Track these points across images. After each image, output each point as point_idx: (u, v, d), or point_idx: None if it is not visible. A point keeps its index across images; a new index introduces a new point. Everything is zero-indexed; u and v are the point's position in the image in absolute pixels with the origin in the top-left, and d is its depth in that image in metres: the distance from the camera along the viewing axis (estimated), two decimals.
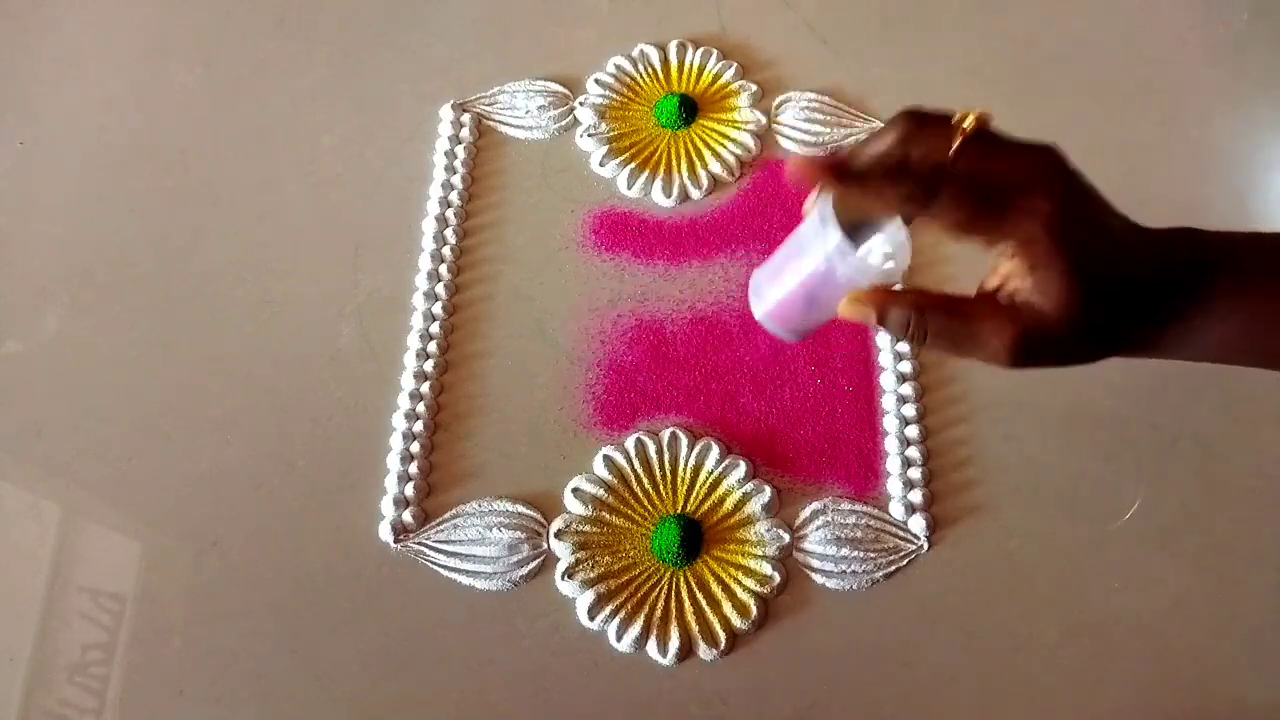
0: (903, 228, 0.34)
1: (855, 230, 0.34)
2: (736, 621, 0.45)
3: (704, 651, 0.45)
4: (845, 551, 0.46)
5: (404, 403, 0.50)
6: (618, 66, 0.61)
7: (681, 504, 0.48)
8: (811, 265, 0.35)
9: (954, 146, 0.32)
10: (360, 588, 0.46)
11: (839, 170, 0.33)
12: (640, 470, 0.49)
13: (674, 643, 0.44)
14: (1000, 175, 0.32)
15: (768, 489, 0.48)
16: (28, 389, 0.52)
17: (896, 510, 0.47)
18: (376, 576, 0.47)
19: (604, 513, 0.48)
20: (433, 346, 0.52)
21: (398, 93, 0.60)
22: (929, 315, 0.34)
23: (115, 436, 0.50)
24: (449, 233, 0.55)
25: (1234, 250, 0.35)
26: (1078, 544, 0.47)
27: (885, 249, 0.35)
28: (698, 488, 0.48)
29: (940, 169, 0.32)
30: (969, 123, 0.32)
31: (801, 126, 0.58)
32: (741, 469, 0.48)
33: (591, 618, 0.45)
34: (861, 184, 0.33)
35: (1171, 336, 0.35)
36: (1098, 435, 0.49)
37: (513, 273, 0.54)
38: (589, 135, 0.58)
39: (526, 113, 0.59)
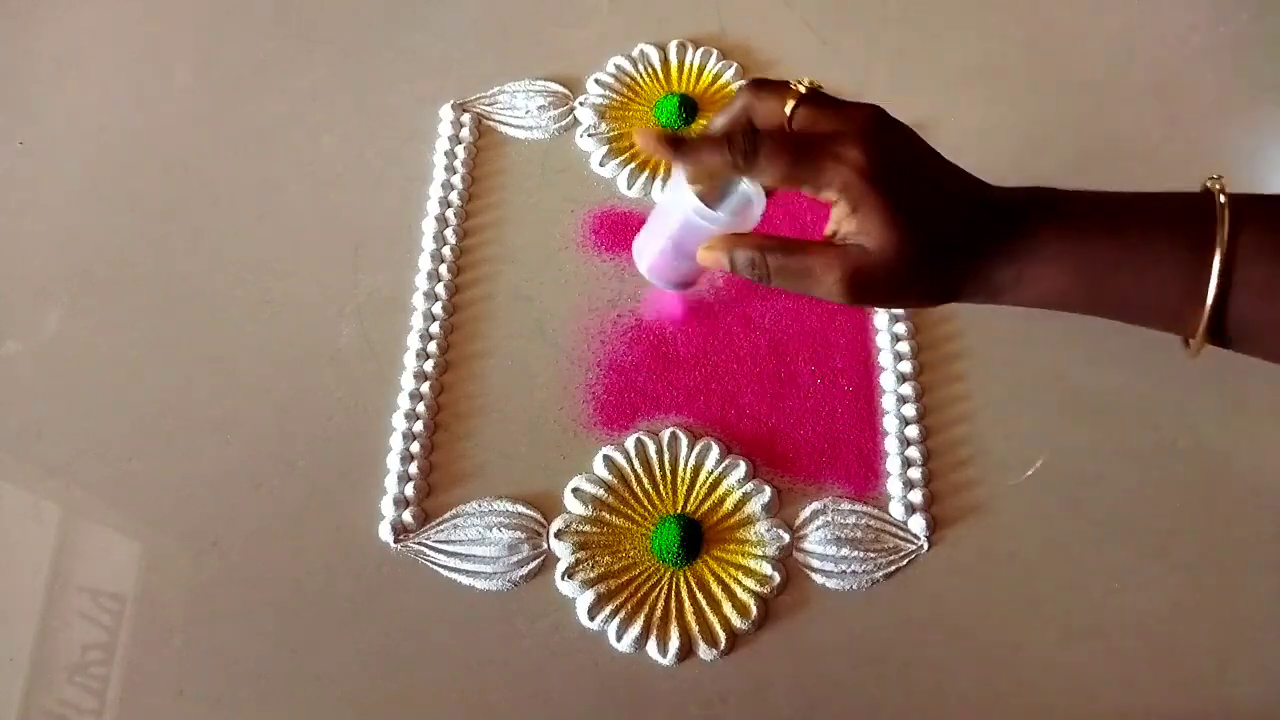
0: (754, 184, 0.40)
1: (719, 191, 0.41)
2: (736, 621, 0.45)
3: (704, 651, 0.45)
4: (845, 551, 0.46)
5: (404, 403, 0.50)
6: (618, 66, 0.61)
7: (681, 504, 0.48)
8: (675, 223, 0.40)
9: (790, 107, 0.38)
10: (360, 588, 0.46)
11: (674, 143, 0.38)
12: (640, 470, 0.49)
13: (674, 643, 0.44)
14: (824, 129, 0.37)
15: (768, 489, 0.48)
16: (28, 389, 0.52)
17: (896, 510, 0.47)
18: (376, 576, 0.47)
19: (604, 513, 0.48)
20: (433, 346, 0.52)
21: (398, 93, 0.60)
22: (769, 255, 0.38)
23: (115, 436, 0.50)
24: (449, 233, 0.55)
25: (1064, 202, 0.38)
26: (1078, 544, 0.47)
27: (736, 203, 0.40)
28: (698, 488, 0.48)
29: (756, 130, 0.38)
30: (803, 86, 0.38)
31: None
32: (741, 469, 0.48)
33: (591, 618, 0.45)
34: (693, 155, 0.38)
35: (1005, 281, 0.38)
36: (1098, 436, 0.49)
37: (513, 273, 0.54)
38: (589, 135, 0.58)
39: (526, 113, 0.59)
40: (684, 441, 0.49)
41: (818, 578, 0.46)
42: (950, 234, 0.37)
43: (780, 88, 0.39)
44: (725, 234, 0.39)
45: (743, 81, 0.39)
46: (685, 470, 0.49)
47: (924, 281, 0.38)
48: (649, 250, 0.42)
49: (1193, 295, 0.35)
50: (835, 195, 0.37)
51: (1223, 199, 0.35)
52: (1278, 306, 0.35)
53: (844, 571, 0.46)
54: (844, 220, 0.37)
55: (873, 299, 0.38)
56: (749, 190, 0.40)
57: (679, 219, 0.40)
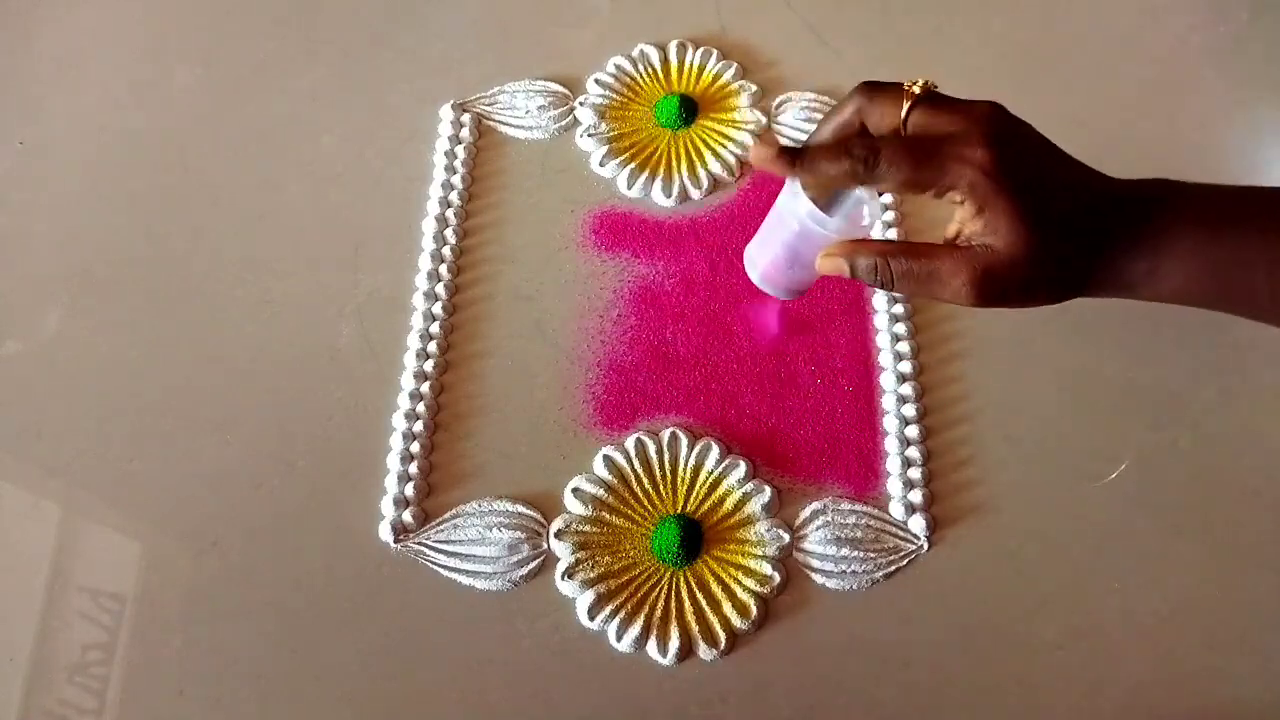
0: (868, 189, 0.39)
1: (832, 195, 0.40)
2: (736, 621, 0.45)
3: (704, 651, 0.45)
4: (845, 551, 0.46)
5: (404, 403, 0.50)
6: (618, 66, 0.61)
7: (681, 504, 0.48)
8: (788, 231, 0.40)
9: (905, 109, 0.37)
10: (360, 588, 0.46)
11: (791, 156, 0.37)
12: (640, 470, 0.49)
13: (674, 643, 0.44)
14: (944, 130, 0.37)
15: (768, 489, 0.48)
16: (28, 389, 0.52)
17: (896, 510, 0.47)
18: (376, 576, 0.47)
19: (604, 513, 0.48)
20: (433, 346, 0.52)
21: (398, 93, 0.60)
22: (892, 260, 0.37)
23: (115, 436, 0.50)
24: (449, 233, 0.55)
25: (1197, 196, 0.37)
26: (1078, 544, 0.47)
27: (852, 209, 0.40)
28: (698, 488, 0.48)
29: (876, 136, 0.37)
30: (918, 88, 0.38)
31: (801, 126, 0.58)
32: (741, 469, 0.48)
33: (591, 618, 0.45)
34: (812, 167, 0.37)
35: (1135, 276, 0.37)
36: (1098, 436, 0.49)
37: (513, 273, 0.54)
38: (589, 135, 0.58)
39: (526, 113, 0.59)
40: (684, 441, 0.49)
41: (818, 578, 0.46)
42: (1078, 230, 0.36)
43: (894, 90, 0.38)
44: (843, 240, 0.39)
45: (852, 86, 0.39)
46: (685, 470, 0.49)
47: (1053, 280, 0.37)
48: (763, 258, 0.42)
49: None
50: (961, 196, 0.36)
51: None
52: None
53: (844, 571, 0.46)
54: (969, 221, 0.37)
55: (1002, 300, 0.38)
56: (862, 194, 0.39)
57: (794, 227, 0.39)
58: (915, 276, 0.37)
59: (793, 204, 0.39)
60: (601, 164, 0.57)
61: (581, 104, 0.59)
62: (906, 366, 0.50)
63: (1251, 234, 0.36)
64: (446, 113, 0.59)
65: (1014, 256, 0.36)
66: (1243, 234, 0.36)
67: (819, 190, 0.39)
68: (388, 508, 0.48)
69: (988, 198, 0.35)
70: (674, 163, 0.57)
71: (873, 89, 0.38)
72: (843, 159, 0.36)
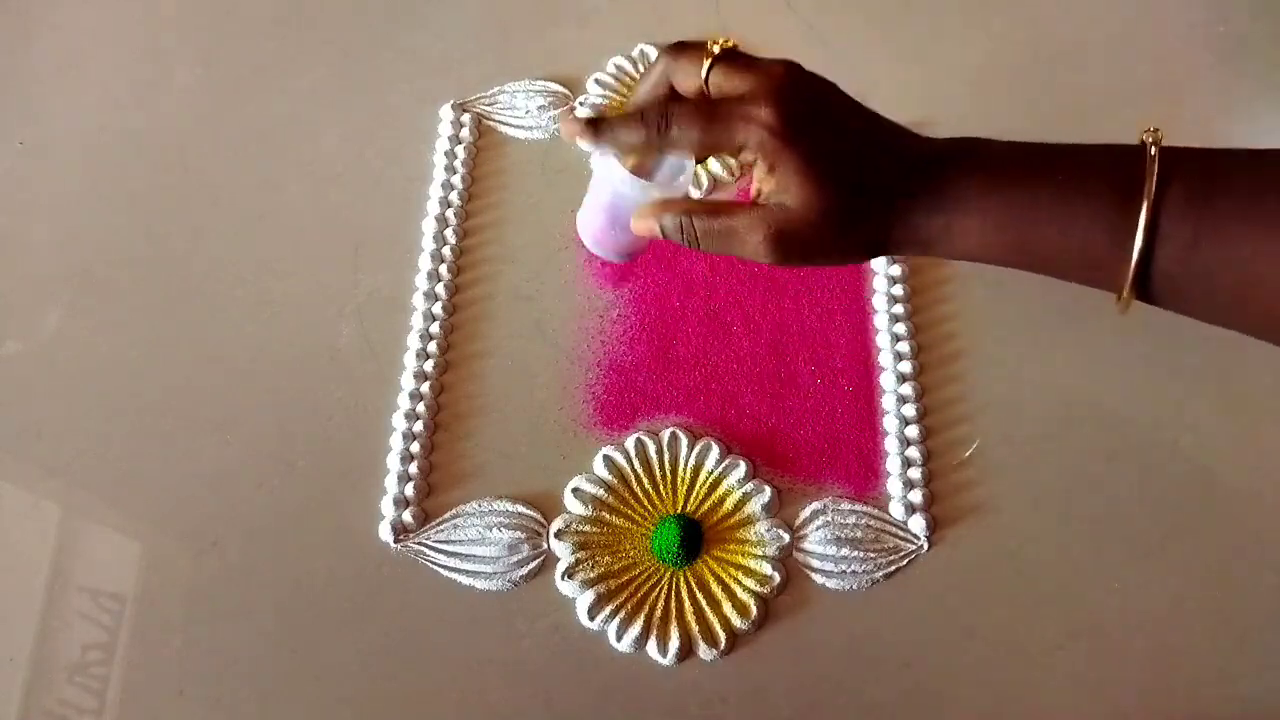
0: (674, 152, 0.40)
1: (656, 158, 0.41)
2: (736, 621, 0.45)
3: (704, 651, 0.45)
4: (845, 551, 0.46)
5: (404, 403, 0.50)
6: (618, 66, 0.61)
7: (681, 504, 0.48)
8: (607, 195, 0.41)
9: (704, 69, 0.38)
10: (360, 588, 0.46)
11: (594, 126, 0.39)
12: (640, 470, 0.49)
13: (674, 643, 0.44)
14: (739, 89, 0.37)
15: (768, 489, 0.48)
16: (28, 389, 0.52)
17: (896, 510, 0.47)
18: (376, 576, 0.47)
19: (604, 513, 0.48)
20: (433, 346, 0.52)
21: (398, 93, 0.60)
22: (695, 218, 0.38)
23: (115, 436, 0.50)
24: (449, 233, 0.55)
25: (998, 153, 0.37)
26: (1078, 544, 0.47)
27: (668, 170, 0.41)
28: (698, 488, 0.48)
29: (668, 102, 0.38)
30: (717, 47, 0.38)
31: None
32: (741, 469, 0.48)
33: (591, 618, 0.45)
34: (611, 135, 0.38)
35: (932, 233, 0.37)
36: (1098, 435, 0.49)
37: (513, 273, 0.54)
38: None
39: (526, 113, 0.59)
40: (684, 441, 0.49)
41: (818, 578, 0.46)
42: (871, 186, 0.37)
43: (696, 49, 0.38)
44: (657, 201, 0.40)
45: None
46: (685, 470, 0.49)
47: (849, 236, 0.37)
48: (590, 224, 0.43)
49: (1118, 250, 0.34)
50: (751, 156, 0.36)
51: (1154, 151, 0.34)
52: (1204, 262, 0.34)
53: (844, 571, 0.46)
54: (764, 180, 0.37)
55: (799, 257, 0.38)
56: (677, 160, 0.40)
57: (609, 191, 0.41)
58: (716, 234, 0.38)
59: (606, 170, 0.40)
60: None
61: (581, 104, 0.59)
62: (906, 366, 0.50)
63: (1045, 192, 0.35)
64: (446, 113, 0.59)
65: (807, 215, 0.36)
66: (1037, 192, 0.36)
67: (634, 155, 0.40)
68: (388, 508, 0.48)
69: (777, 156, 0.36)
70: None
71: (677, 50, 0.39)
72: (637, 125, 0.37)
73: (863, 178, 0.37)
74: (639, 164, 0.40)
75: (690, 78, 0.38)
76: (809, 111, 0.36)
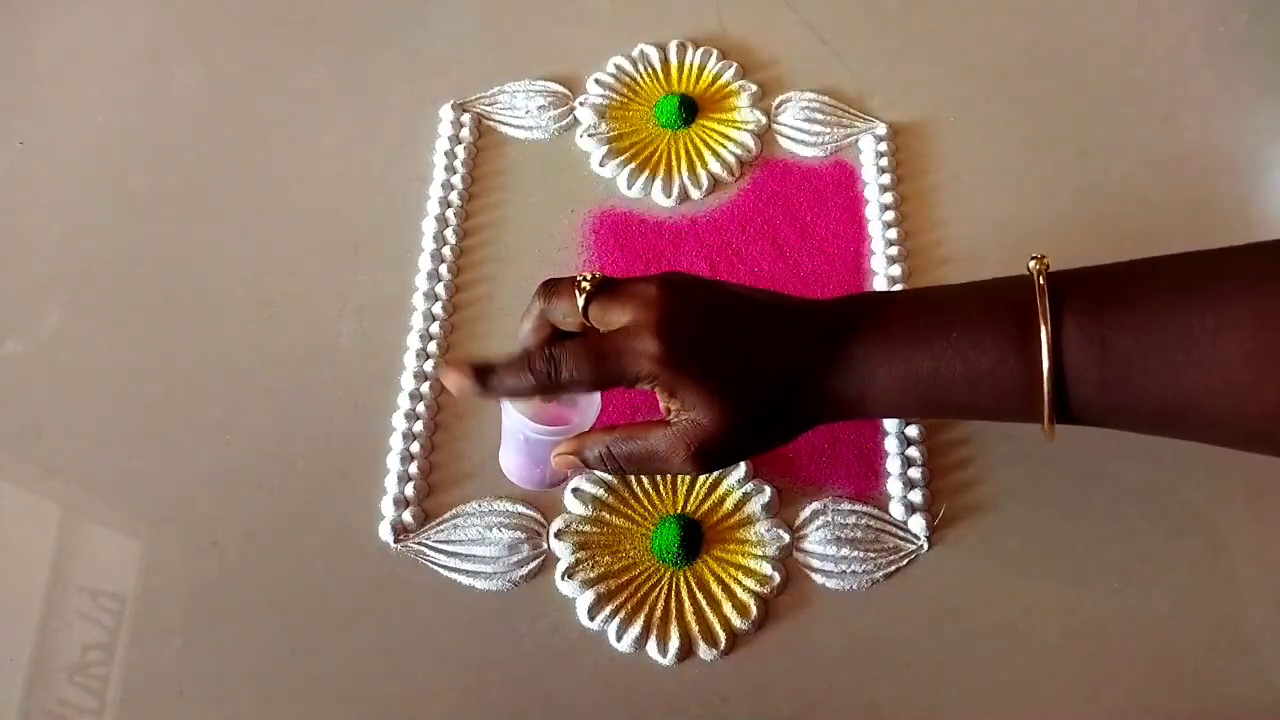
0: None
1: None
2: (736, 621, 0.45)
3: (704, 651, 0.45)
4: (845, 551, 0.46)
5: (404, 403, 0.50)
6: (618, 66, 0.61)
7: (681, 504, 0.48)
8: (520, 438, 0.42)
9: (580, 304, 0.37)
10: (360, 588, 0.46)
11: (481, 377, 0.38)
12: None
13: (674, 643, 0.44)
14: (619, 320, 0.37)
15: (768, 489, 0.48)
16: (28, 389, 0.52)
17: (896, 510, 0.47)
18: (376, 576, 0.47)
19: (604, 513, 0.48)
20: (433, 346, 0.52)
21: (398, 93, 0.60)
22: (613, 447, 0.38)
23: (115, 436, 0.50)
24: (449, 233, 0.55)
25: (893, 313, 0.37)
26: (1078, 544, 0.47)
27: (581, 399, 0.41)
28: (697, 488, 0.48)
29: (553, 343, 0.38)
30: (587, 282, 0.37)
31: (801, 126, 0.58)
32: (741, 469, 0.48)
33: (591, 618, 0.45)
34: (501, 388, 0.38)
35: (848, 406, 0.37)
36: (1098, 435, 0.49)
37: (513, 273, 0.54)
38: (589, 135, 0.58)
39: (526, 113, 0.59)
40: None
41: (818, 578, 0.46)
42: (774, 381, 0.37)
43: (567, 286, 0.38)
44: (570, 437, 0.40)
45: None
46: None
47: (768, 431, 0.38)
48: (510, 464, 0.44)
49: (1030, 393, 0.34)
50: (647, 385, 0.37)
51: (1041, 281, 0.34)
52: (1117, 397, 0.34)
53: (844, 571, 0.46)
54: (668, 401, 0.37)
55: (729, 461, 0.39)
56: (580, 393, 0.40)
57: (521, 435, 0.41)
58: (639, 459, 0.38)
59: (512, 416, 0.40)
60: (601, 164, 0.57)
61: (581, 104, 0.59)
62: None
63: (945, 349, 0.35)
64: (446, 113, 0.59)
65: (720, 427, 0.36)
66: (936, 351, 0.36)
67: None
68: (388, 508, 0.48)
69: (671, 383, 0.36)
70: (674, 163, 0.57)
71: (549, 288, 0.39)
72: (526, 374, 0.37)
73: (763, 379, 0.37)
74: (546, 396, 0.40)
75: (569, 315, 0.38)
76: (692, 332, 0.36)
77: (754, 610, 0.45)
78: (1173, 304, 0.33)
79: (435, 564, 0.47)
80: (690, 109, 0.58)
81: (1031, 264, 0.35)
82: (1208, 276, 0.33)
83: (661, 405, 0.39)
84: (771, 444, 0.40)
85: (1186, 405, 0.33)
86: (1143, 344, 0.33)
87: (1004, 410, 0.36)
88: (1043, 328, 0.33)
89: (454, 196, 0.56)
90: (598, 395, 0.41)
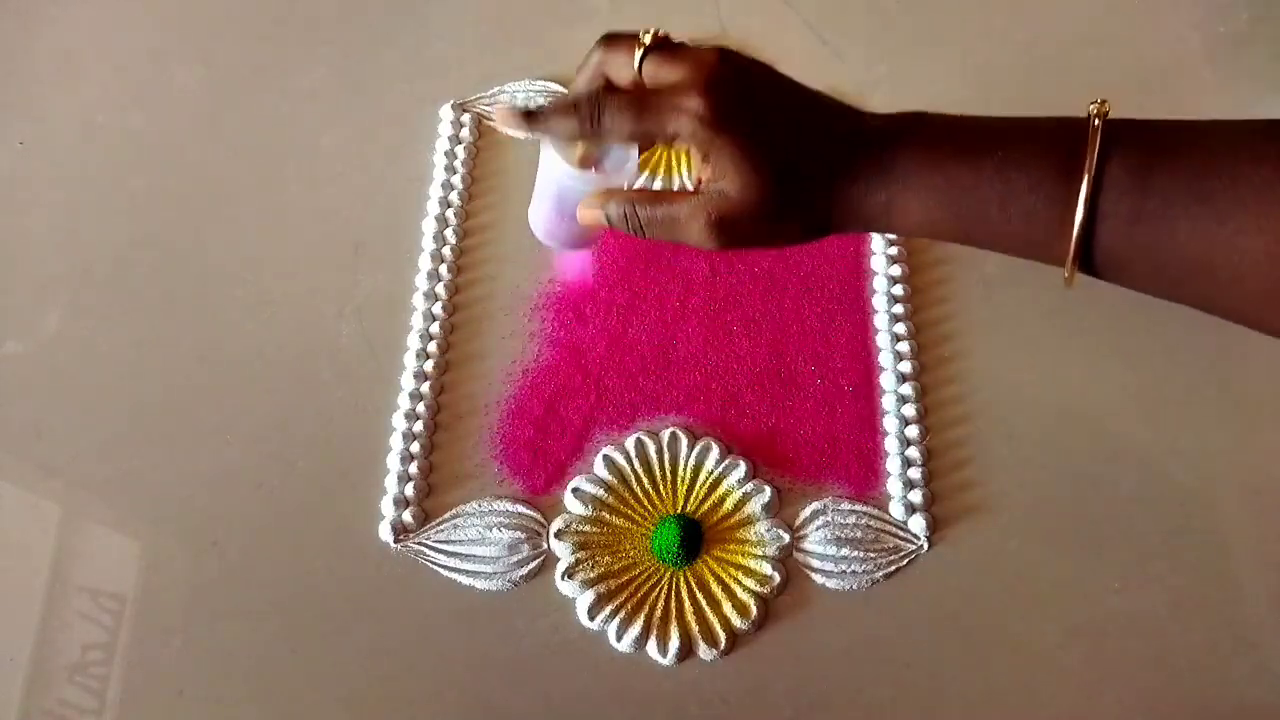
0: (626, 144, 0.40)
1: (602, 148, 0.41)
2: (736, 621, 0.45)
3: (704, 651, 0.45)
4: (845, 551, 0.46)
5: (404, 403, 0.50)
6: None
7: (681, 504, 0.48)
8: (553, 187, 0.41)
9: (637, 60, 0.38)
10: (360, 588, 0.46)
11: (529, 117, 0.38)
12: (640, 470, 0.49)
13: (674, 643, 0.44)
14: (671, 79, 0.37)
15: (768, 489, 0.48)
16: (28, 389, 0.52)
17: (896, 510, 0.47)
18: (376, 576, 0.47)
19: (604, 513, 0.48)
20: (433, 346, 0.52)
21: (398, 93, 0.60)
22: (638, 206, 0.38)
23: (115, 436, 0.50)
24: (449, 233, 0.55)
25: (939, 128, 0.37)
26: (1078, 544, 0.47)
27: (614, 159, 0.41)
28: (698, 488, 0.48)
29: (600, 92, 0.37)
30: (648, 37, 0.38)
31: None
32: (741, 469, 0.48)
33: (591, 618, 0.45)
34: (546, 126, 0.38)
35: (875, 210, 0.37)
36: (1098, 435, 0.49)
37: (513, 273, 0.54)
38: None
39: None
40: (684, 441, 0.49)
41: (818, 578, 0.46)
42: (808, 167, 0.36)
43: (627, 41, 0.38)
44: (601, 190, 0.40)
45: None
46: (685, 470, 0.49)
47: (789, 218, 0.37)
48: (540, 216, 0.43)
49: (1060, 225, 0.34)
50: (685, 145, 0.36)
51: (1097, 123, 0.34)
52: (1145, 240, 0.33)
53: (844, 571, 0.46)
54: (701, 168, 0.37)
55: (744, 241, 0.38)
56: (619, 150, 0.40)
57: (554, 182, 0.41)
58: (659, 222, 0.38)
59: (549, 162, 0.40)
60: None
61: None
62: (906, 366, 0.50)
63: (988, 167, 0.35)
64: (446, 113, 0.59)
65: (746, 200, 0.36)
66: (979, 167, 0.35)
67: (573, 145, 0.40)
68: (388, 508, 0.48)
69: (708, 144, 0.36)
70: (674, 163, 0.57)
71: (610, 41, 0.39)
72: (571, 116, 0.37)
73: (799, 160, 0.36)
74: (585, 154, 0.40)
75: (624, 68, 0.38)
76: (740, 98, 0.36)
77: (754, 610, 0.45)
78: (1225, 154, 0.33)
79: (435, 564, 0.47)
80: None
81: (1091, 107, 0.35)
82: (1267, 136, 0.33)
83: (695, 174, 0.38)
84: (788, 235, 0.39)
85: (1216, 255, 0.32)
86: (1187, 185, 0.32)
87: (1031, 238, 0.36)
88: (1089, 158, 0.33)
89: (454, 196, 0.56)
90: (634, 163, 0.41)
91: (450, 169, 0.57)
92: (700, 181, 0.38)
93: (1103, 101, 0.35)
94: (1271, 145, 0.32)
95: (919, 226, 0.37)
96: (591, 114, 0.37)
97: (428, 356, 0.51)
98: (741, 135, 0.36)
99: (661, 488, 0.48)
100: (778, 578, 0.46)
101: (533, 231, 0.43)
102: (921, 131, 0.37)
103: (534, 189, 0.43)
